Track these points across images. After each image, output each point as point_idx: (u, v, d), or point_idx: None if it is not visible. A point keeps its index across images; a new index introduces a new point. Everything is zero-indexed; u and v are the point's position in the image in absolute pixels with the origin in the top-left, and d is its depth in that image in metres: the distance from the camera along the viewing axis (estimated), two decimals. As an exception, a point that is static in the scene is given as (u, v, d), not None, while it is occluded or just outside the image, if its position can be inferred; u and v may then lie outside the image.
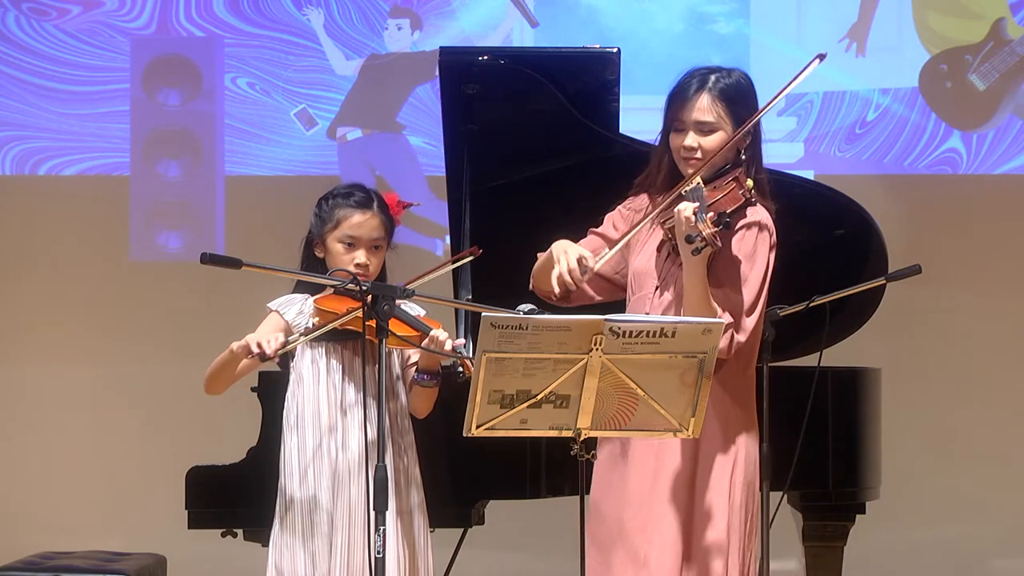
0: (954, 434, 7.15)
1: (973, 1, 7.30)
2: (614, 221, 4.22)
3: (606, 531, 4.10)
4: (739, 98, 4.09)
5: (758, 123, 4.14)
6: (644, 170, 4.22)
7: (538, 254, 4.27)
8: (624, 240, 4.09)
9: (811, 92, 7.28)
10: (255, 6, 7.37)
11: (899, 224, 6.88)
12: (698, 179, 4.01)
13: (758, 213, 4.07)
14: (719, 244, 3.89)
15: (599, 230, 4.25)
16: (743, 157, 4.10)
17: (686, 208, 3.89)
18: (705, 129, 4.08)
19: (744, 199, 3.98)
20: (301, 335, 4.17)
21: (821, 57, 4.10)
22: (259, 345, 4.10)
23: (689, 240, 3.85)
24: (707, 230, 3.83)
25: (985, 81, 7.27)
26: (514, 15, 7.35)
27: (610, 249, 4.09)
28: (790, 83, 4.11)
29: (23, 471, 7.30)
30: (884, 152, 7.29)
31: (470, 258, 4.30)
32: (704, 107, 4.08)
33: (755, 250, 4.04)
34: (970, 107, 7.28)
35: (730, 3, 7.30)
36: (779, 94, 4.12)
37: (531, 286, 4.29)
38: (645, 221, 4.07)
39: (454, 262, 4.39)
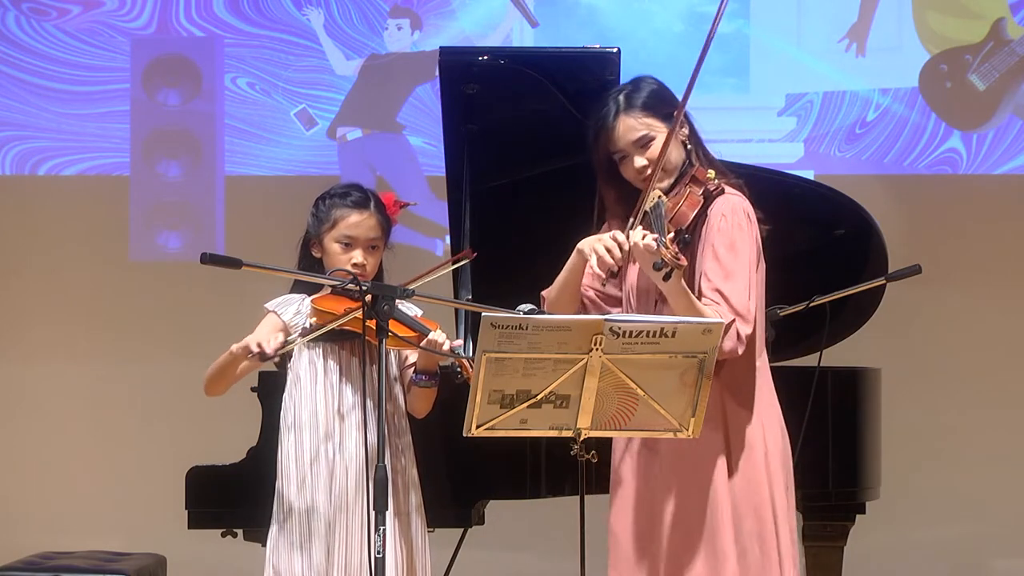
0: (954, 434, 7.14)
1: (973, 1, 7.30)
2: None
3: (624, 556, 4.05)
4: (657, 102, 4.04)
5: (684, 110, 4.05)
6: None
7: (542, 293, 4.19)
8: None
9: (811, 92, 7.28)
10: (255, 6, 7.37)
11: (899, 224, 6.88)
12: (657, 192, 3.96)
13: (727, 200, 4.00)
14: (684, 264, 3.83)
15: None
16: (689, 148, 4.06)
17: (643, 240, 3.84)
18: (643, 143, 4.02)
19: (705, 197, 3.93)
20: (300, 335, 4.18)
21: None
22: (259, 345, 4.10)
23: (656, 268, 3.81)
24: (668, 254, 3.79)
25: (985, 81, 7.27)
26: (514, 15, 7.35)
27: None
28: (708, 38, 4.06)
29: (23, 471, 7.30)
30: (884, 152, 7.29)
31: (465, 261, 4.29)
32: (630, 126, 4.02)
33: (733, 239, 3.97)
34: (970, 107, 7.28)
35: (730, 3, 7.27)
36: (702, 56, 4.03)
37: None
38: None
39: (452, 264, 4.38)
